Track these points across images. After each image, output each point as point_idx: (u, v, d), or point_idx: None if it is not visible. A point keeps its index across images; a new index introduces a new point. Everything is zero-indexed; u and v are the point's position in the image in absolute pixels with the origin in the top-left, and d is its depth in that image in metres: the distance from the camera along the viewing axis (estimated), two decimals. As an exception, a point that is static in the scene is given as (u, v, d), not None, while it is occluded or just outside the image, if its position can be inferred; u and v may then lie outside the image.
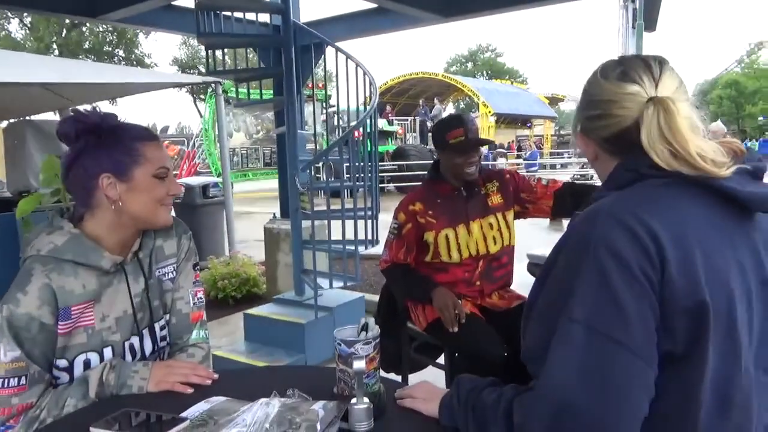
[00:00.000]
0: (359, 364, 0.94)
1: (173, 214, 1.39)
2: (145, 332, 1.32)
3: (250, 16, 4.19)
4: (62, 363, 1.20)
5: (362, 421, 0.93)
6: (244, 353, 3.64)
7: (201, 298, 1.45)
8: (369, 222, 3.69)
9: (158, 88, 8.18)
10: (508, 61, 61.08)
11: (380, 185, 3.68)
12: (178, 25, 4.34)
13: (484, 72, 48.92)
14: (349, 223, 3.56)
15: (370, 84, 3.93)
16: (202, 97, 35.87)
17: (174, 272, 1.40)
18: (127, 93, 7.83)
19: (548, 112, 28.01)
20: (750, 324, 0.83)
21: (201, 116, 21.87)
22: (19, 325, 1.13)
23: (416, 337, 2.40)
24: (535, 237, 8.37)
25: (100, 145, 1.23)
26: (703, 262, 0.81)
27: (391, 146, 17.13)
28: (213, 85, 6.39)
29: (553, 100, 29.86)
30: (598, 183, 1.06)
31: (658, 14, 15.65)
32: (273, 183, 16.74)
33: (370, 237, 3.73)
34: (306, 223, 4.00)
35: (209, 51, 4.11)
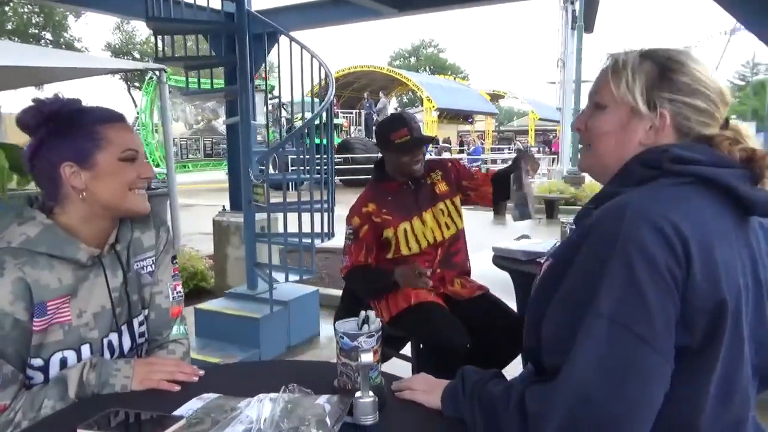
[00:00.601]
0: (367, 358, 0.93)
1: None
2: (124, 328, 1.26)
3: (201, 1, 4.06)
4: (37, 362, 1.13)
5: (368, 415, 0.92)
6: (195, 349, 3.54)
7: (180, 292, 1.40)
8: (325, 215, 3.67)
9: (94, 74, 7.78)
10: (450, 57, 61.88)
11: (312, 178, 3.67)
12: (124, 8, 4.15)
13: (427, 67, 49.33)
14: (304, 217, 3.52)
15: (326, 76, 3.89)
16: (136, 84, 34.45)
17: (153, 266, 1.34)
18: (58, 78, 7.37)
19: (490, 108, 28.55)
20: (746, 319, 0.88)
21: (135, 105, 21.01)
22: None
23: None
24: (486, 231, 8.56)
25: (59, 132, 1.16)
26: (721, 261, 0.84)
27: (336, 139, 17.03)
28: (157, 72, 6.16)
29: (494, 97, 30.45)
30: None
31: (596, 17, 16.12)
32: (214, 175, 16.33)
33: (326, 230, 3.71)
34: (258, 216, 3.93)
35: (158, 37, 3.96)
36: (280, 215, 3.97)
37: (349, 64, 23.47)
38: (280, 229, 3.81)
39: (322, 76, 3.82)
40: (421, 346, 2.26)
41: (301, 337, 3.86)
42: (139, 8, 3.72)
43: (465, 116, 28.43)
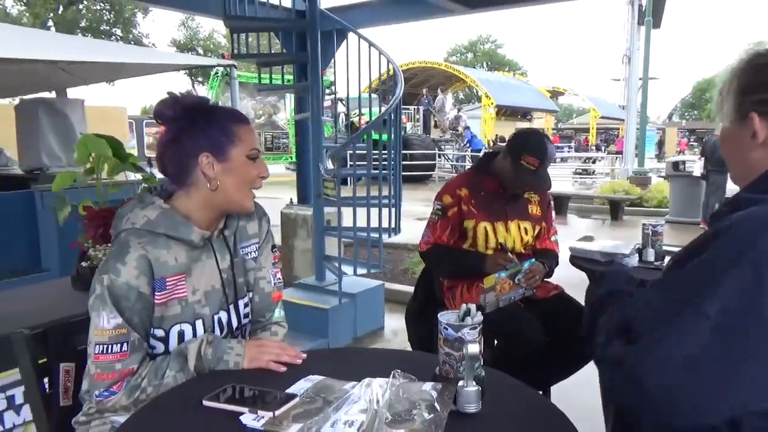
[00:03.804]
0: (474, 348, 0.96)
1: None
2: (231, 308, 1.36)
3: (274, 0, 4.17)
4: (159, 333, 1.24)
5: (471, 403, 0.96)
6: (266, 336, 3.67)
7: (280, 278, 1.49)
8: (392, 210, 3.72)
9: (166, 70, 8.10)
10: (508, 53, 60.92)
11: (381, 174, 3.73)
12: (202, 7, 4.31)
13: (484, 63, 48.79)
14: (365, 212, 3.57)
15: (395, 73, 3.94)
16: (200, 79, 35.56)
17: (256, 252, 1.43)
18: (130, 74, 7.70)
19: (549, 105, 27.98)
20: None
21: (200, 99, 21.69)
22: (119, 293, 1.16)
23: (454, 324, 2.43)
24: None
25: (199, 125, 1.26)
26: None
27: (393, 135, 17.05)
28: (227, 68, 6.38)
29: (554, 94, 29.81)
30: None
31: (664, 11, 15.54)
32: (275, 168, 16.69)
33: (393, 225, 3.76)
34: (326, 210, 4.02)
35: (234, 34, 4.11)
36: (345, 209, 4.06)
37: (405, 60, 23.48)
38: (347, 223, 3.89)
39: (390, 73, 3.88)
40: (496, 342, 2.27)
41: (366, 329, 3.93)
42: (216, 7, 3.88)
43: (523, 113, 27.96)
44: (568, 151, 24.11)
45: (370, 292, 3.98)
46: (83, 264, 2.16)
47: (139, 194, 1.32)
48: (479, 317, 1.08)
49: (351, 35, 3.94)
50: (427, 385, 1.02)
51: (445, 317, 1.09)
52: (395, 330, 4.03)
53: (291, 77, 4.61)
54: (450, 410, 0.95)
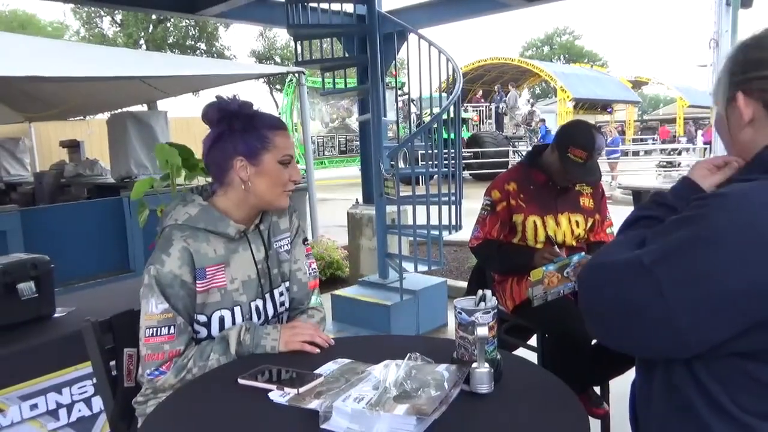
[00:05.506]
0: (482, 331, 1.01)
1: None
2: (267, 296, 1.48)
3: (335, 6, 4.31)
4: (202, 318, 1.37)
5: (483, 384, 1.00)
6: (331, 332, 3.80)
7: (315, 268, 1.62)
8: (453, 207, 3.75)
9: (242, 80, 8.51)
10: (587, 44, 58.85)
11: (440, 171, 3.74)
12: (269, 18, 4.53)
13: (562, 56, 47.33)
14: (432, 210, 3.62)
15: (454, 71, 3.96)
16: (278, 87, 36.81)
17: (288, 245, 1.56)
18: (212, 85, 8.19)
19: (631, 96, 26.78)
20: None
21: (277, 106, 22.48)
22: (165, 282, 1.30)
23: (507, 319, 2.44)
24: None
25: (237, 130, 1.37)
26: None
27: (466, 133, 16.99)
28: (297, 75, 6.61)
29: (637, 84, 28.50)
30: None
31: (756, -11, 14.48)
32: (349, 170, 17.00)
33: (453, 222, 3.79)
34: (388, 209, 4.11)
35: (297, 42, 4.28)
36: (411, 207, 4.12)
37: (480, 57, 23.22)
38: (410, 221, 3.95)
39: (450, 72, 3.91)
40: (546, 336, 2.26)
41: (430, 326, 3.98)
42: (280, 17, 4.06)
43: (603, 106, 26.92)
44: (653, 143, 22.97)
45: (433, 289, 4.02)
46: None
47: (183, 193, 1.46)
48: (493, 302, 1.12)
49: (411, 36, 4.00)
50: (441, 367, 1.07)
51: (461, 303, 1.14)
52: (459, 327, 4.05)
53: (353, 80, 4.74)
54: (462, 390, 1.00)
